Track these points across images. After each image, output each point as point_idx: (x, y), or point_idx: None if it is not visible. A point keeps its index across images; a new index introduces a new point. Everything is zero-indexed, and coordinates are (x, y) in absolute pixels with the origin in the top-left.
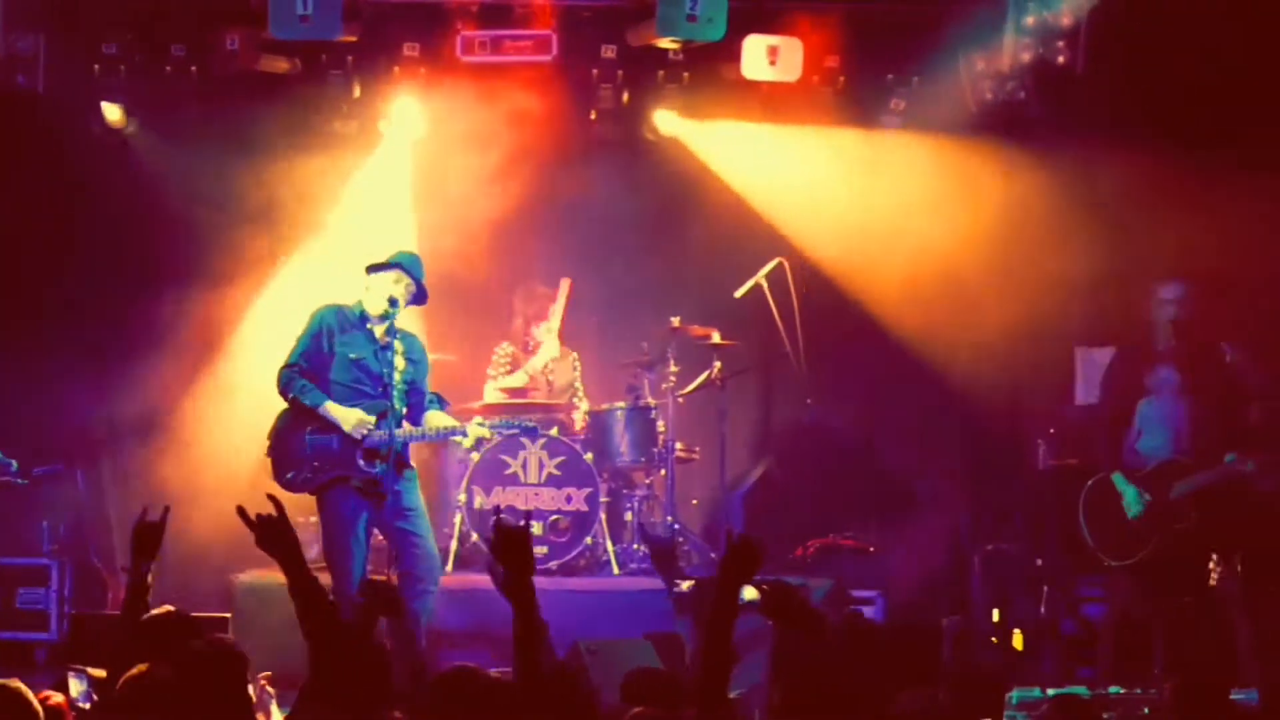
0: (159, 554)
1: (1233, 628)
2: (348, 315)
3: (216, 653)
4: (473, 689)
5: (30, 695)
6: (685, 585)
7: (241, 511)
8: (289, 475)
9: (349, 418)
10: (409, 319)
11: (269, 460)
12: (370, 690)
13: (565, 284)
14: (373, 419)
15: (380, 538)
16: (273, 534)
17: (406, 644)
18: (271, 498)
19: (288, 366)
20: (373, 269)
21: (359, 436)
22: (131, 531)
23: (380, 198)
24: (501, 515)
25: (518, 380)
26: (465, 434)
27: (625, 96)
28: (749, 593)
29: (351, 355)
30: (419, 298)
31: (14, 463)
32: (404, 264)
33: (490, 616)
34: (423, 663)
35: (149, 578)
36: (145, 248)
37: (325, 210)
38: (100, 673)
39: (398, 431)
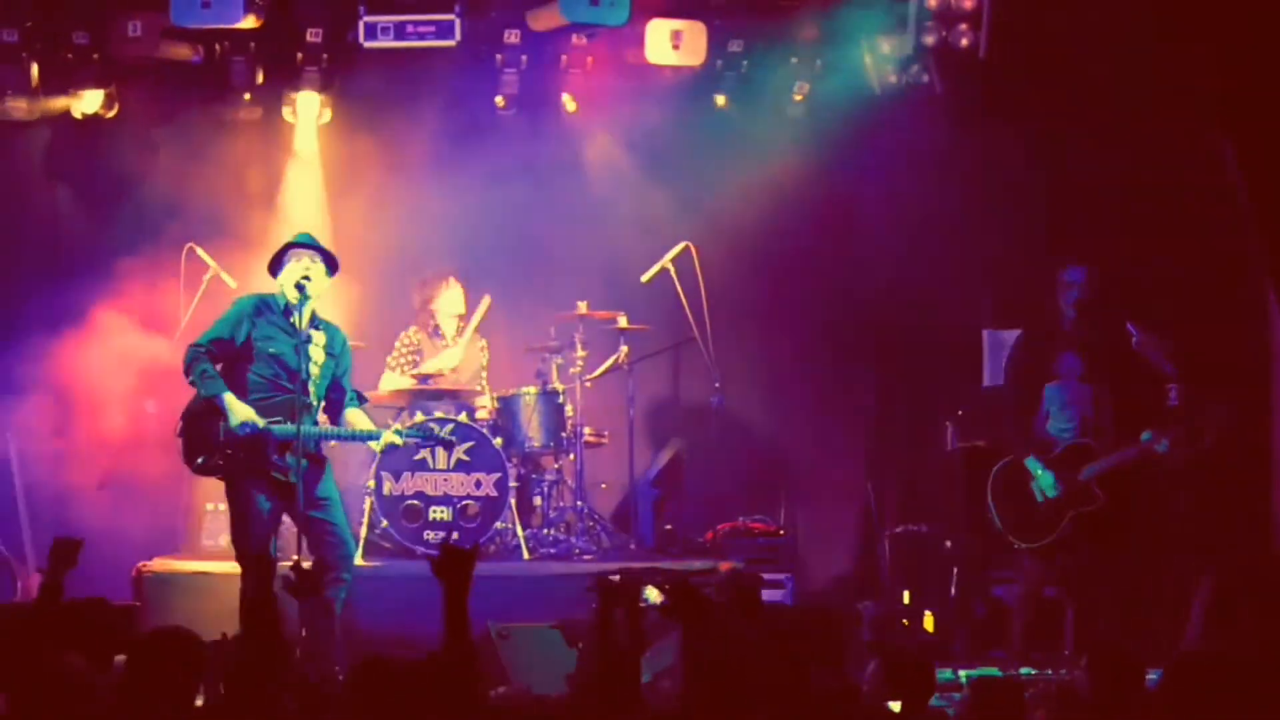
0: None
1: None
2: (271, 306)
3: (173, 640)
4: (387, 676)
5: None
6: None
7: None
8: (199, 460)
9: (237, 413)
10: (331, 310)
11: (178, 441)
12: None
13: (485, 301)
14: (261, 420)
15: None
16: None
17: (317, 632)
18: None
19: (195, 345)
20: (274, 268)
21: (243, 434)
22: (51, 548)
23: (292, 185)
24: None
25: (415, 373)
26: (377, 439)
27: (529, 81)
28: (652, 594)
29: (271, 350)
30: (331, 268)
31: None
32: (299, 244)
33: (402, 604)
34: (330, 651)
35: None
36: (49, 234)
37: (231, 198)
38: None
39: (311, 429)
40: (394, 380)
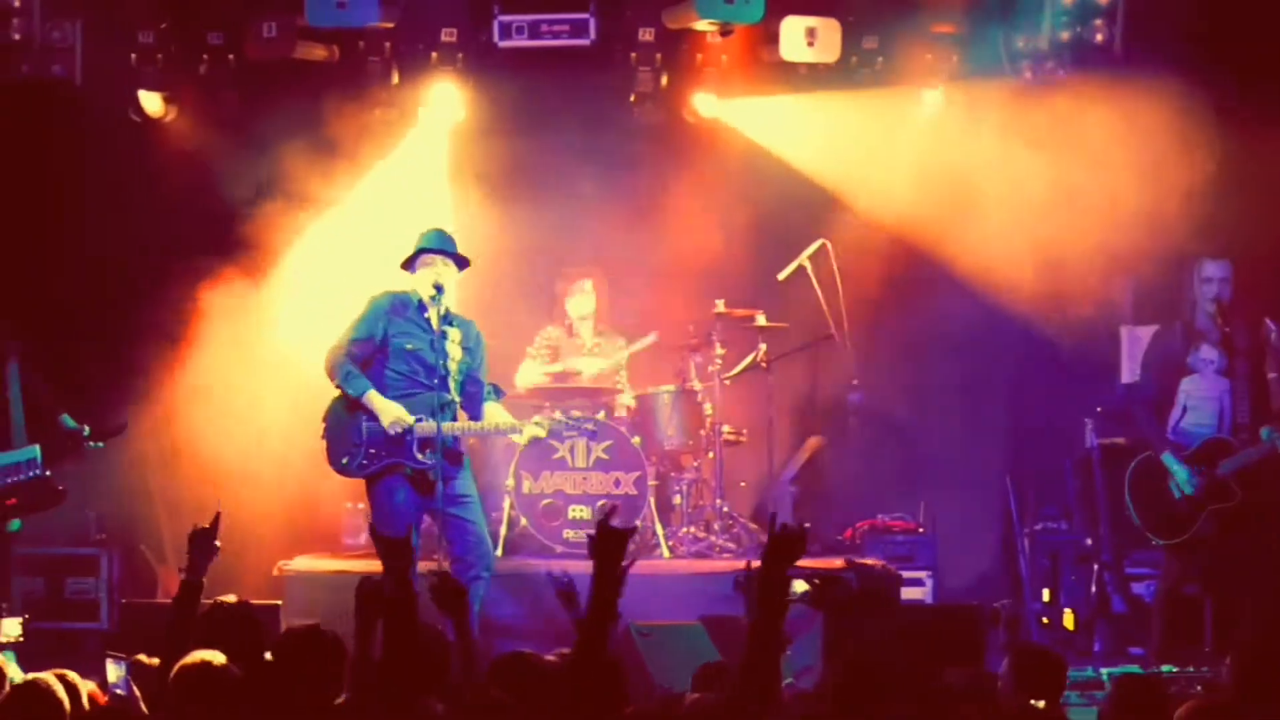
0: (214, 556)
1: None
2: (405, 303)
3: (311, 638)
4: (528, 674)
5: (59, 691)
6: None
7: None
8: (344, 460)
9: (388, 412)
10: (468, 309)
11: (322, 443)
12: (425, 679)
13: (650, 339)
14: (410, 418)
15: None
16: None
17: (460, 634)
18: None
19: (336, 348)
20: (407, 266)
21: (394, 433)
22: (189, 540)
23: (418, 184)
24: (611, 510)
25: (555, 368)
26: (519, 432)
27: (664, 80)
28: (798, 586)
29: (408, 346)
30: (461, 265)
31: (86, 428)
32: (432, 247)
33: (541, 602)
34: (475, 651)
35: (203, 580)
36: (185, 235)
37: (365, 196)
38: (150, 660)
39: (454, 426)
40: (532, 373)
